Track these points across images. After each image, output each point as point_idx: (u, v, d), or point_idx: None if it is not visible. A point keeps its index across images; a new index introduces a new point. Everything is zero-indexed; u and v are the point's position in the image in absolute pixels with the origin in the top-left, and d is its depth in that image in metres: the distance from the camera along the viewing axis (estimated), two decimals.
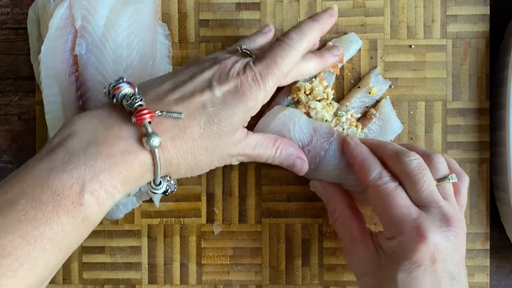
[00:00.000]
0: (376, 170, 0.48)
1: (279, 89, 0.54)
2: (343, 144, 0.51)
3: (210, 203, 0.57)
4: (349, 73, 0.57)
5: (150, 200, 0.57)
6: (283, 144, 0.50)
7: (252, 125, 0.51)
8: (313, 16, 0.50)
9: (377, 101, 0.57)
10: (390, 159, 0.48)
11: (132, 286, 0.58)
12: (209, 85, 0.45)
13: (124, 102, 0.43)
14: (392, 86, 0.57)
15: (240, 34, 0.57)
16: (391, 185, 0.47)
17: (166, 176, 0.46)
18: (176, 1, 0.57)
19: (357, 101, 0.56)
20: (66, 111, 0.54)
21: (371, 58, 0.57)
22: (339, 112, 0.55)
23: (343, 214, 0.51)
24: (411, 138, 0.56)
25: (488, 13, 0.57)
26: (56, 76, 0.54)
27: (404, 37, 0.57)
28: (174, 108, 0.44)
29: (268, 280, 0.57)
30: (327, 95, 0.54)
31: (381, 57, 0.57)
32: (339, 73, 0.57)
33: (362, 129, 0.55)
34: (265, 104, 0.47)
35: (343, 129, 0.54)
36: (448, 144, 0.56)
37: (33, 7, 0.56)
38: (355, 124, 0.55)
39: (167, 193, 0.47)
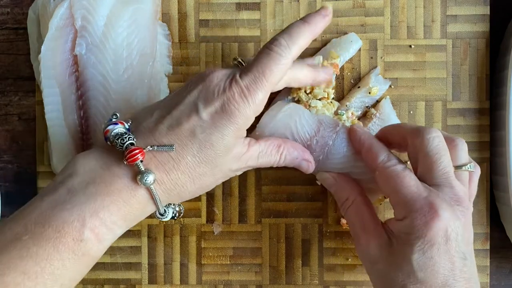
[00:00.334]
0: (384, 153, 0.48)
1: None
2: (350, 132, 0.50)
3: (210, 203, 0.57)
4: (349, 73, 0.57)
5: None
6: (287, 149, 0.49)
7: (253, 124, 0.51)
8: (304, 18, 0.48)
9: (377, 101, 0.57)
10: (411, 134, 0.48)
11: (132, 286, 0.58)
12: (195, 109, 0.44)
13: (116, 142, 0.44)
14: (392, 86, 0.57)
15: (240, 34, 0.57)
16: (400, 167, 0.46)
17: (170, 204, 0.47)
18: (176, 1, 0.57)
19: (357, 101, 0.56)
20: (66, 111, 0.54)
21: (371, 58, 0.57)
22: (340, 110, 0.55)
23: (356, 203, 0.50)
24: None
25: (488, 13, 0.57)
26: (56, 76, 0.54)
27: (404, 37, 0.57)
28: (165, 139, 0.44)
29: (268, 280, 0.57)
30: (328, 95, 0.54)
31: (381, 57, 0.57)
32: (339, 73, 0.57)
33: (366, 124, 0.55)
34: (266, 103, 0.47)
35: None
36: None
37: (33, 7, 0.56)
38: (356, 122, 0.55)
39: (175, 218, 0.48)
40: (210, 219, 0.57)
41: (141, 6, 0.55)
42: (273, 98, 0.54)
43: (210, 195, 0.57)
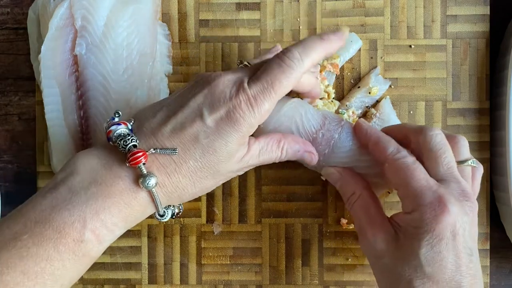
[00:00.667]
0: (392, 145, 0.48)
1: None
2: (356, 127, 0.50)
3: (210, 203, 0.57)
4: (349, 73, 0.57)
5: None
6: (287, 143, 0.49)
7: None
8: (320, 34, 0.47)
9: (377, 101, 0.57)
10: (414, 132, 0.48)
11: (132, 286, 0.58)
12: (199, 114, 0.44)
13: (118, 143, 0.43)
14: (392, 86, 0.57)
15: (240, 34, 0.57)
16: (410, 159, 0.47)
17: (170, 205, 0.47)
18: (176, 1, 0.57)
19: (357, 101, 0.56)
20: (66, 111, 0.54)
21: (371, 58, 0.57)
22: (341, 110, 0.55)
23: (362, 197, 0.50)
24: None
25: (488, 13, 0.57)
26: (56, 76, 0.54)
27: (404, 37, 0.57)
28: (167, 142, 0.44)
29: (268, 280, 0.57)
30: (328, 94, 0.54)
31: (381, 57, 0.57)
32: (339, 73, 0.57)
33: None
34: None
35: None
36: None
37: (33, 7, 0.56)
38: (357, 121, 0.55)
39: (174, 217, 0.48)
40: (210, 219, 0.57)
41: (141, 6, 0.55)
42: None
43: (210, 195, 0.57)
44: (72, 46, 0.54)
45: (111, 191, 0.43)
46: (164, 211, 0.46)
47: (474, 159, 0.49)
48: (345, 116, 0.55)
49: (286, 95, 0.54)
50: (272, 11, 0.57)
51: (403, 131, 0.50)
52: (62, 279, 0.42)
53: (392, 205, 0.57)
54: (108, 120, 0.45)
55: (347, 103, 0.56)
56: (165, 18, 0.57)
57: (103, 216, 0.42)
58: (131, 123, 0.45)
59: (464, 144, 0.49)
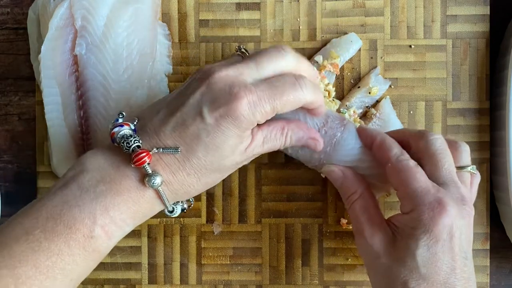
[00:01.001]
0: (396, 148, 0.48)
1: None
2: (360, 129, 0.51)
3: (210, 203, 0.57)
4: (349, 73, 0.57)
5: None
6: (291, 130, 0.48)
7: None
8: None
9: (377, 101, 0.57)
10: (414, 137, 0.49)
11: (132, 286, 0.58)
12: (199, 112, 0.43)
13: (122, 144, 0.44)
14: (392, 86, 0.57)
15: (240, 34, 0.57)
16: (412, 162, 0.47)
17: (178, 201, 0.47)
18: (176, 1, 0.57)
19: (357, 101, 0.56)
20: (66, 111, 0.54)
21: (371, 58, 0.57)
22: (341, 109, 0.55)
23: (363, 196, 0.50)
24: None
25: (488, 13, 0.56)
26: (56, 76, 0.54)
27: (404, 37, 0.57)
28: (170, 141, 0.44)
29: (268, 280, 0.57)
30: (329, 92, 0.54)
31: (381, 57, 0.57)
32: (339, 73, 0.56)
33: (366, 124, 0.55)
34: None
35: None
36: None
37: (33, 7, 0.56)
38: (358, 121, 0.55)
39: (185, 211, 0.48)
40: (210, 219, 0.57)
41: (141, 6, 0.55)
42: None
43: (210, 195, 0.57)
44: (72, 46, 0.54)
45: (119, 189, 0.43)
46: (173, 207, 0.47)
47: (474, 166, 0.49)
48: (346, 115, 0.55)
49: None
50: (272, 11, 0.57)
51: (404, 136, 0.50)
52: (72, 273, 0.42)
53: (392, 205, 0.57)
54: (113, 121, 0.46)
55: (347, 103, 0.56)
56: (165, 18, 0.57)
57: (112, 213, 0.43)
58: (135, 123, 0.46)
59: (465, 150, 0.49)
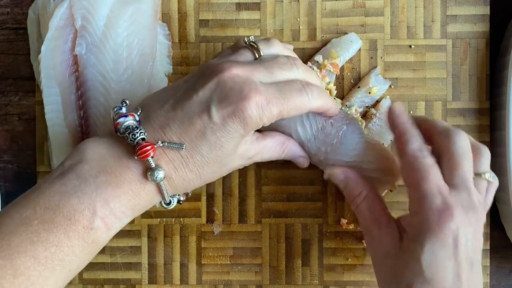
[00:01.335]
0: (417, 141, 0.47)
1: None
2: (390, 109, 0.50)
3: (210, 203, 0.57)
4: (349, 73, 0.57)
5: None
6: (289, 146, 0.50)
7: None
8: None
9: (377, 101, 0.57)
10: (439, 134, 0.48)
11: (132, 286, 0.58)
12: (207, 109, 0.43)
13: (127, 135, 0.43)
14: (392, 86, 0.57)
15: (240, 34, 0.57)
16: (429, 160, 0.46)
17: (175, 194, 0.47)
18: (176, 1, 0.57)
19: (357, 101, 0.56)
20: (66, 111, 0.54)
21: (371, 58, 0.57)
22: (343, 108, 0.55)
23: (368, 197, 0.50)
24: None
25: (488, 13, 0.57)
26: (56, 76, 0.54)
27: (404, 37, 0.57)
28: (175, 137, 0.44)
29: (268, 280, 0.57)
30: (330, 92, 0.55)
31: (381, 57, 0.57)
32: (339, 73, 0.57)
33: (366, 124, 0.55)
34: None
35: None
36: None
37: (33, 7, 0.56)
38: (359, 119, 0.55)
39: (181, 203, 0.48)
40: (210, 219, 0.57)
41: (141, 6, 0.55)
42: None
43: (210, 195, 0.57)
44: (72, 46, 0.54)
45: (120, 180, 0.43)
46: (170, 200, 0.46)
47: (492, 173, 0.49)
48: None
49: None
50: (272, 11, 0.57)
51: (431, 128, 0.49)
52: (71, 264, 0.42)
53: (392, 205, 0.56)
54: (114, 108, 0.45)
55: (347, 103, 0.56)
56: (165, 18, 0.57)
57: (112, 204, 0.42)
58: (138, 113, 0.45)
59: (486, 156, 0.49)
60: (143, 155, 0.42)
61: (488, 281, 0.56)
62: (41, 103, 0.55)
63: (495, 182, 0.50)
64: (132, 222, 0.57)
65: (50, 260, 0.41)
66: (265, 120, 0.44)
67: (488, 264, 0.56)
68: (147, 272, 0.57)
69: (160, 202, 0.46)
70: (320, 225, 0.57)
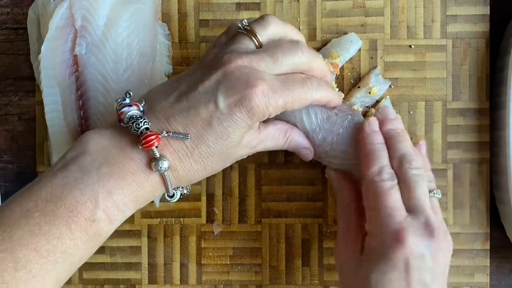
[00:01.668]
0: (378, 164, 0.48)
1: None
2: (359, 129, 0.50)
3: (210, 203, 0.57)
4: (349, 73, 0.57)
5: None
6: (292, 135, 0.50)
7: None
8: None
9: (377, 101, 0.57)
10: (395, 160, 0.49)
11: (132, 286, 0.58)
12: (214, 99, 0.43)
13: (131, 125, 0.43)
14: (392, 86, 0.57)
15: None
16: (387, 184, 0.47)
17: (178, 186, 0.47)
18: (176, 1, 0.57)
19: (357, 101, 0.56)
20: (66, 111, 0.54)
21: (371, 58, 0.57)
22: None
23: (348, 207, 0.51)
24: (411, 138, 0.56)
25: (488, 13, 0.57)
26: (56, 76, 0.54)
27: (404, 37, 0.57)
28: (180, 127, 0.44)
29: (268, 280, 0.57)
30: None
31: (381, 57, 0.57)
32: (339, 73, 0.57)
33: None
34: None
35: None
36: (448, 144, 0.56)
37: (33, 7, 0.56)
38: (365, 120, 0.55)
39: (182, 197, 0.48)
40: (210, 219, 0.57)
41: (141, 6, 0.55)
42: None
43: (210, 195, 0.57)
44: (72, 46, 0.54)
45: (124, 172, 0.43)
46: (173, 192, 0.46)
47: (438, 190, 0.49)
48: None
49: None
50: (272, 11, 0.57)
51: (390, 150, 0.50)
52: (73, 257, 0.42)
53: None
54: (118, 99, 0.45)
55: (347, 103, 0.56)
56: (165, 18, 0.57)
57: (115, 196, 0.42)
58: (142, 104, 0.45)
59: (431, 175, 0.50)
60: (147, 144, 0.42)
61: (488, 281, 0.56)
62: (41, 103, 0.55)
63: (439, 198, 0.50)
64: (132, 222, 0.57)
65: (52, 252, 0.41)
66: (271, 109, 0.44)
67: (488, 264, 0.56)
68: (147, 272, 0.57)
69: (164, 195, 0.46)
70: (320, 225, 0.57)
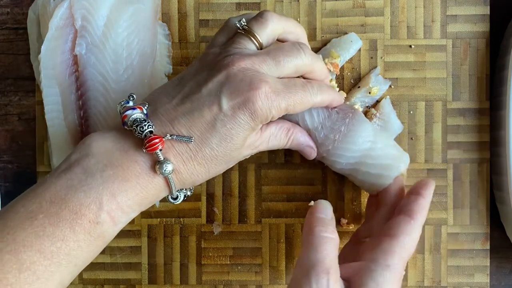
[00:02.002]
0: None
1: None
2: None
3: (210, 203, 0.57)
4: (349, 73, 0.57)
5: None
6: (295, 134, 0.50)
7: None
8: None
9: (377, 101, 0.57)
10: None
11: (132, 286, 0.58)
12: (217, 101, 0.44)
13: (135, 128, 0.43)
14: (392, 86, 0.57)
15: None
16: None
17: (182, 188, 0.47)
18: (176, 1, 0.57)
19: (357, 101, 0.56)
20: (66, 111, 0.54)
21: (371, 58, 0.57)
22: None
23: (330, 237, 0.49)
24: (411, 138, 0.56)
25: (488, 13, 0.57)
26: (56, 76, 0.54)
27: (404, 37, 0.57)
28: (183, 129, 0.44)
29: (268, 280, 0.57)
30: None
31: (381, 57, 0.57)
32: (339, 73, 0.57)
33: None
34: None
35: None
36: (448, 144, 0.57)
37: (33, 7, 0.56)
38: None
39: (185, 198, 0.48)
40: (210, 219, 0.57)
41: (141, 6, 0.55)
42: None
43: (210, 195, 0.57)
44: (72, 46, 0.54)
45: (128, 174, 0.43)
46: (177, 194, 0.46)
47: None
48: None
49: None
50: (272, 11, 0.57)
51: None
52: (77, 259, 0.42)
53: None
54: (121, 102, 0.45)
55: (347, 103, 0.56)
56: (165, 18, 0.57)
57: (119, 198, 0.42)
58: (146, 107, 0.45)
59: None
60: (151, 148, 0.42)
61: (488, 281, 0.56)
62: (41, 103, 0.55)
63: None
64: (132, 222, 0.57)
65: (56, 254, 0.41)
66: (274, 112, 0.44)
67: (488, 264, 0.56)
68: (147, 272, 0.57)
69: (167, 197, 0.46)
70: None
